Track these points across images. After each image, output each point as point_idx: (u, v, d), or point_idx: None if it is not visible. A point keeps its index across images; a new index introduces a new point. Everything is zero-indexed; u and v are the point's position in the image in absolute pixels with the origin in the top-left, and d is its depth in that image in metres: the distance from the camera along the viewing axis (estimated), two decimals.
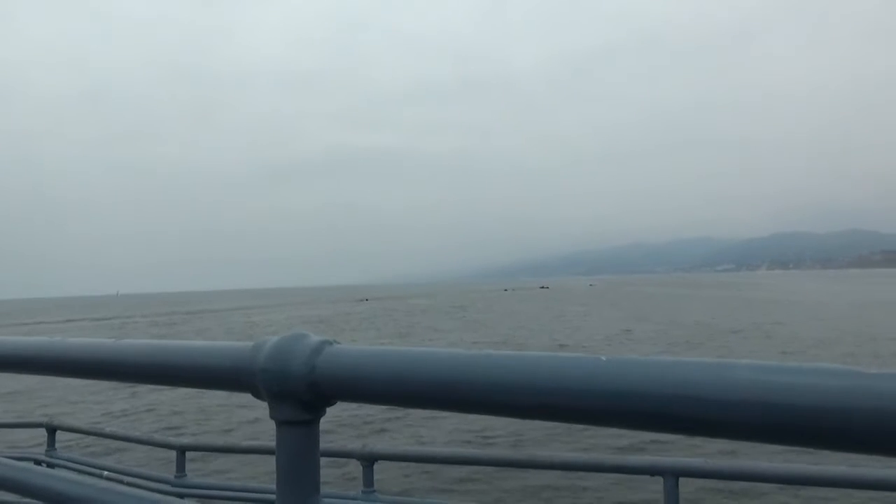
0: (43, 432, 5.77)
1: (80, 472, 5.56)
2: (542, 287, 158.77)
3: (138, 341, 1.47)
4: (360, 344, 1.19)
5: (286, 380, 1.16)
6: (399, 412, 14.62)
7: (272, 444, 1.22)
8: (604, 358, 0.98)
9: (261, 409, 1.20)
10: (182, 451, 5.06)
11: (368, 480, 4.08)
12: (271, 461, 1.24)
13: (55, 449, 5.86)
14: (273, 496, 1.20)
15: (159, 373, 1.43)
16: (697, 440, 11.36)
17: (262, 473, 8.85)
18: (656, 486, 3.43)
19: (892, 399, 0.94)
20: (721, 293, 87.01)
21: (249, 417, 15.25)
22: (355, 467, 4.16)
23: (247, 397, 1.28)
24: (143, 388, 19.95)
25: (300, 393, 1.15)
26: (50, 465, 5.61)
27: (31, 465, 1.59)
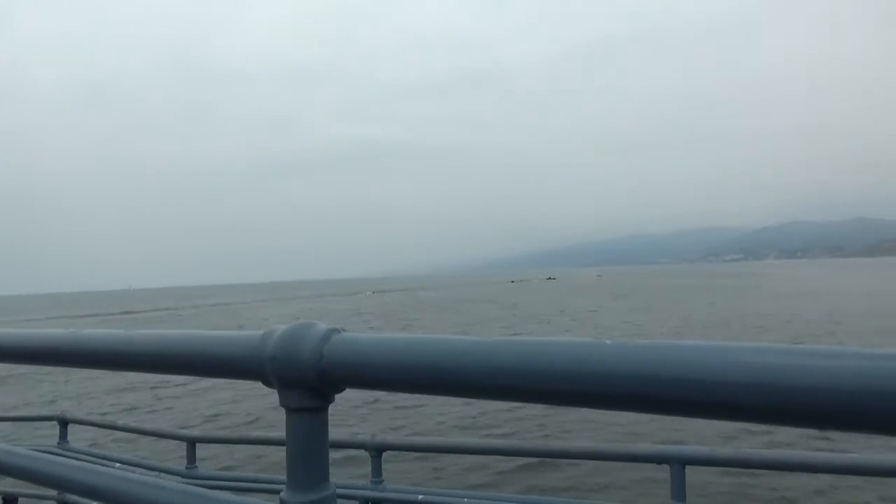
0: (55, 425, 5.82)
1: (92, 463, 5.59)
2: (549, 278, 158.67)
3: (150, 331, 1.49)
4: (367, 332, 1.22)
5: (295, 367, 1.17)
6: (410, 402, 14.71)
7: (283, 434, 1.24)
8: (608, 342, 1.00)
9: (273, 397, 1.23)
10: (193, 442, 5.08)
11: (377, 470, 4.10)
12: (282, 452, 1.26)
13: (67, 441, 5.91)
14: (283, 486, 1.23)
15: (170, 363, 1.45)
16: (706, 428, 11.44)
17: (273, 464, 8.94)
18: (663, 473, 3.47)
19: (883, 375, 0.97)
20: (732, 283, 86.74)
21: (265, 405, 15.39)
22: (365, 457, 4.18)
23: (258, 387, 1.28)
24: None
25: (309, 380, 1.17)
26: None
27: (45, 455, 1.64)
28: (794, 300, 47.28)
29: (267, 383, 1.24)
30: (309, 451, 1.22)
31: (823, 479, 8.19)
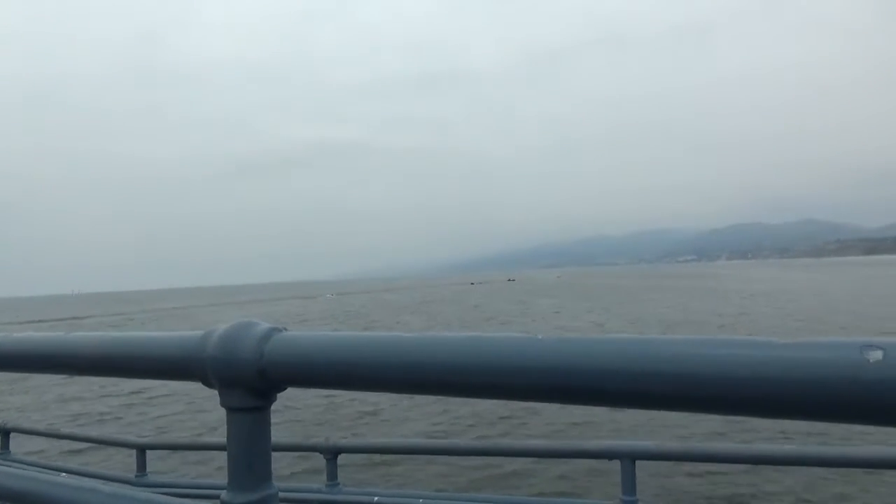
0: None
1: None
2: (510, 280, 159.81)
3: (87, 333, 1.45)
4: (309, 330, 1.20)
5: (235, 366, 1.16)
6: (370, 402, 14.65)
7: None
8: (540, 336, 1.04)
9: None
10: (142, 449, 4.97)
11: (332, 473, 4.07)
12: None
13: (10, 452, 5.72)
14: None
15: (109, 364, 1.42)
16: (655, 423, 11.69)
17: (225, 469, 8.81)
18: (614, 468, 3.55)
19: (797, 365, 1.02)
20: (689, 283, 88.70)
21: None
22: (319, 460, 4.15)
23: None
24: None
25: (249, 379, 1.16)
26: None
27: None
28: (747, 299, 48.66)
29: (207, 383, 1.23)
30: (250, 451, 1.20)
31: (768, 470, 8.47)
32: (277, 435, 1.09)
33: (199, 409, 15.87)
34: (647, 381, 1.03)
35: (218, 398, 1.21)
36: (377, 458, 9.17)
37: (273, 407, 1.22)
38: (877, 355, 1.04)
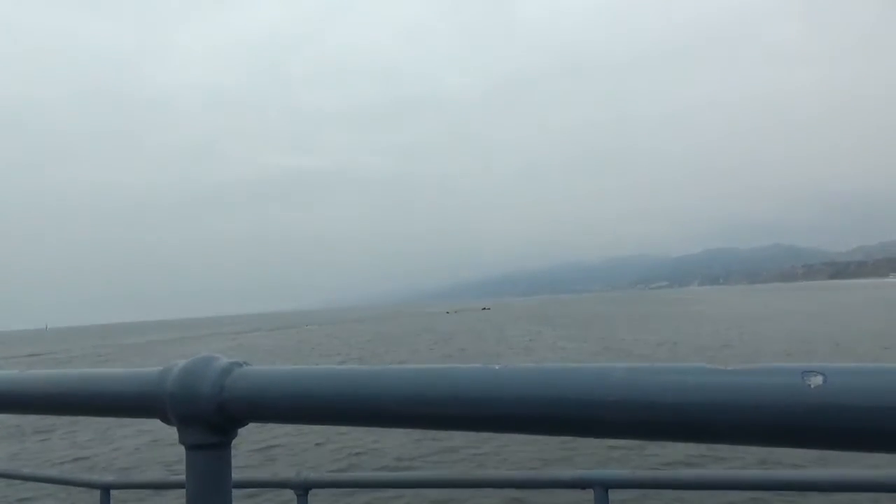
0: None
1: None
2: (484, 308, 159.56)
3: (42, 371, 1.40)
4: (270, 364, 1.19)
5: (194, 402, 1.14)
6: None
7: None
8: (497, 367, 1.05)
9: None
10: (106, 489, 4.59)
11: None
12: None
13: None
14: None
15: (65, 403, 1.37)
16: (628, 451, 11.67)
17: None
18: (587, 497, 3.51)
19: (742, 391, 1.06)
20: (665, 309, 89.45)
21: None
22: (290, 496, 4.01)
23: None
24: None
25: (209, 415, 1.14)
26: None
27: None
28: (723, 324, 49.23)
29: (166, 420, 1.20)
30: (210, 488, 1.17)
31: (739, 495, 8.46)
32: (245, 472, 1.10)
33: (168, 444, 15.47)
34: (599, 410, 1.04)
35: (177, 436, 1.18)
36: (351, 492, 8.99)
37: (239, 443, 1.26)
38: (817, 380, 1.06)
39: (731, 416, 1.05)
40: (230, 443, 1.19)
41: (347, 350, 44.90)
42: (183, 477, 1.17)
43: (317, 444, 14.69)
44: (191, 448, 1.17)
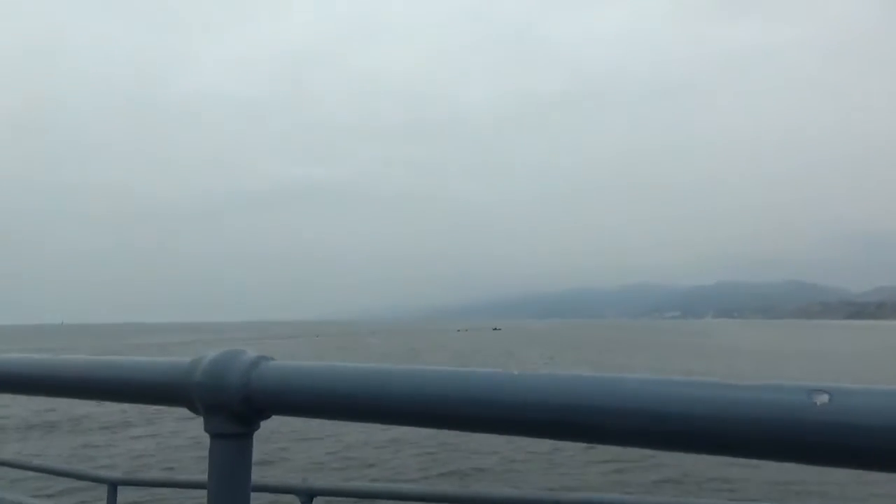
0: None
1: None
2: (495, 329, 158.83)
3: (76, 357, 1.44)
4: (296, 360, 1.23)
5: (221, 393, 1.18)
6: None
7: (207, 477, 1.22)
8: (515, 372, 1.11)
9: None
10: (114, 485, 4.52)
11: None
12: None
13: None
14: None
15: (97, 388, 1.41)
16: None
17: None
18: None
19: (749, 406, 1.10)
20: (683, 340, 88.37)
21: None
22: (295, 502, 3.72)
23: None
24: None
25: (234, 406, 1.17)
26: None
27: None
28: (746, 358, 48.20)
29: (193, 409, 1.24)
30: (231, 477, 1.21)
31: None
32: (253, 474, 1.15)
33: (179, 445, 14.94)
34: (611, 418, 1.09)
35: (202, 425, 1.21)
36: (356, 502, 8.45)
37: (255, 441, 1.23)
38: (823, 399, 1.10)
39: (739, 429, 1.10)
40: (252, 434, 1.23)
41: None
42: (190, 476, 1.34)
43: (327, 453, 14.27)
44: (215, 437, 1.20)
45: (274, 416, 1.22)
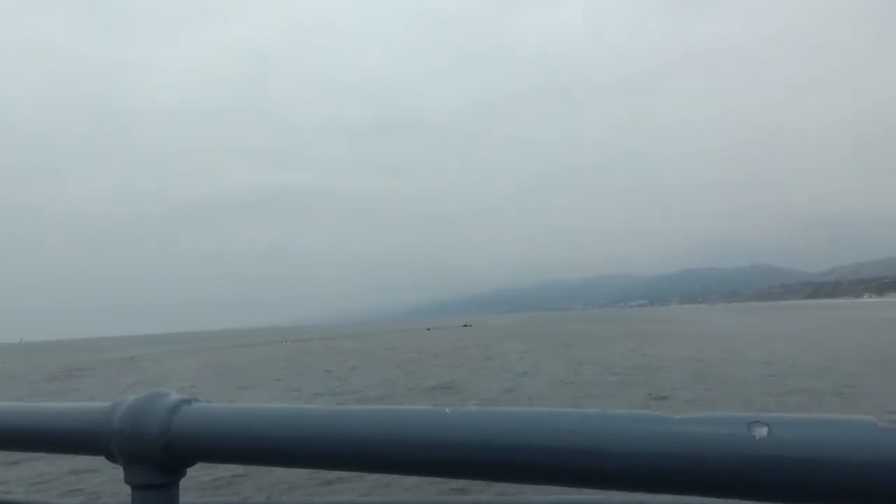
0: None
1: None
2: (465, 325, 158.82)
3: None
4: (222, 402, 1.15)
5: (140, 441, 1.10)
6: None
7: None
8: (448, 410, 1.04)
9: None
10: None
11: None
12: None
13: None
14: None
15: (7, 439, 1.31)
16: None
17: None
18: None
19: (689, 441, 1.06)
20: (651, 328, 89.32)
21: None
22: None
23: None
24: None
25: (155, 455, 1.10)
26: None
27: None
28: (708, 342, 48.89)
29: (112, 459, 1.16)
30: None
31: None
32: (211, 496, 1.08)
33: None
34: (547, 456, 1.04)
35: (122, 475, 1.14)
36: None
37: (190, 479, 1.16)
38: (762, 431, 1.06)
39: (677, 467, 1.05)
40: (178, 483, 1.16)
41: (336, 366, 43.86)
42: None
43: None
44: (137, 488, 1.13)
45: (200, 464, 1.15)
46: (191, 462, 1.14)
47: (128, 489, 1.14)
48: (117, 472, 1.14)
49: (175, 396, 1.15)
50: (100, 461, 1.21)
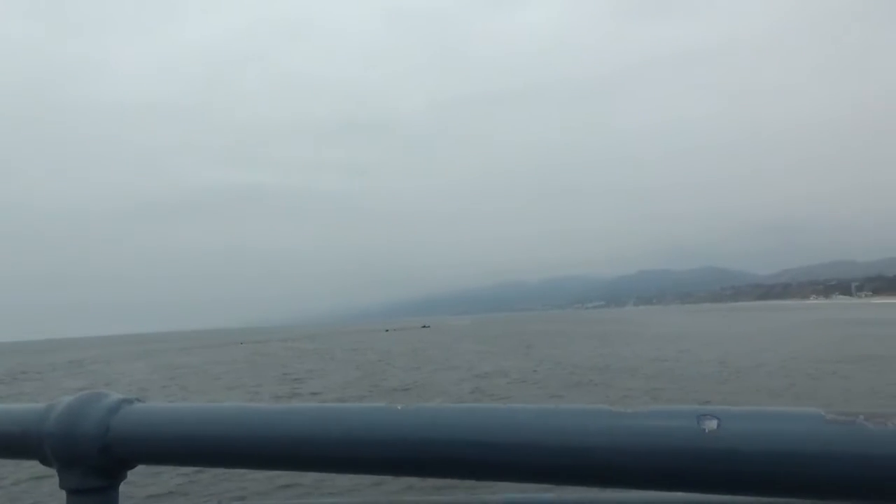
0: None
1: None
2: (424, 326, 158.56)
3: None
4: (164, 401, 1.10)
5: (76, 443, 1.05)
6: None
7: None
8: (399, 407, 1.02)
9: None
10: None
11: None
12: None
13: None
14: None
15: None
16: None
17: None
18: None
19: (642, 435, 1.05)
20: (609, 328, 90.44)
21: None
22: None
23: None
24: None
25: (91, 457, 1.05)
26: None
27: None
28: (664, 342, 49.73)
29: (46, 462, 1.10)
30: None
31: None
32: (160, 501, 1.06)
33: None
34: (501, 453, 1.02)
35: (57, 480, 1.08)
36: None
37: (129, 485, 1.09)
38: (712, 424, 1.06)
39: (630, 461, 1.05)
40: (117, 486, 1.10)
41: (295, 366, 43.12)
42: None
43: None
44: (72, 493, 1.07)
45: (141, 466, 1.10)
46: (131, 464, 1.10)
47: (63, 494, 1.08)
48: (53, 477, 1.07)
49: (115, 396, 1.11)
50: (35, 465, 1.14)
